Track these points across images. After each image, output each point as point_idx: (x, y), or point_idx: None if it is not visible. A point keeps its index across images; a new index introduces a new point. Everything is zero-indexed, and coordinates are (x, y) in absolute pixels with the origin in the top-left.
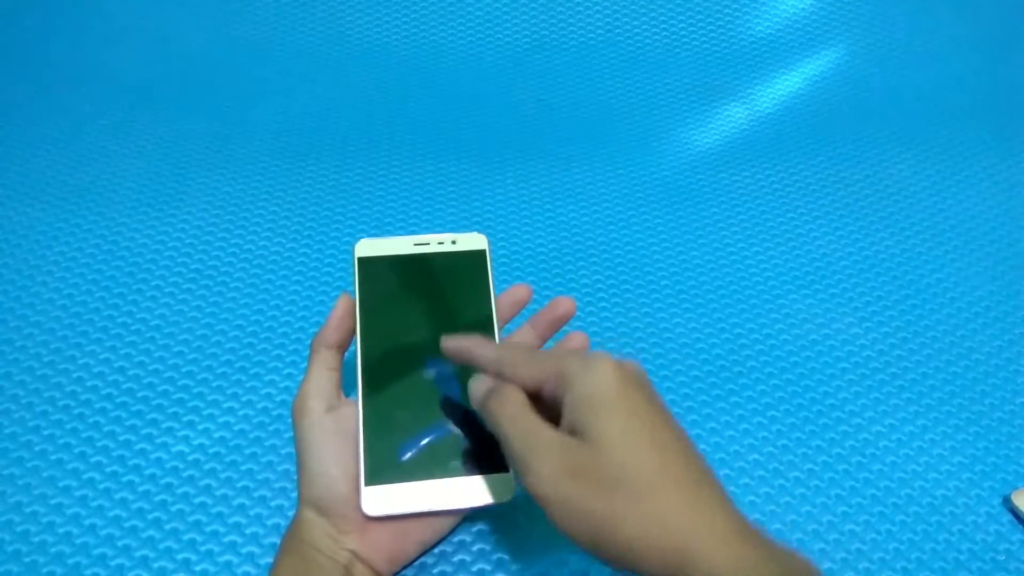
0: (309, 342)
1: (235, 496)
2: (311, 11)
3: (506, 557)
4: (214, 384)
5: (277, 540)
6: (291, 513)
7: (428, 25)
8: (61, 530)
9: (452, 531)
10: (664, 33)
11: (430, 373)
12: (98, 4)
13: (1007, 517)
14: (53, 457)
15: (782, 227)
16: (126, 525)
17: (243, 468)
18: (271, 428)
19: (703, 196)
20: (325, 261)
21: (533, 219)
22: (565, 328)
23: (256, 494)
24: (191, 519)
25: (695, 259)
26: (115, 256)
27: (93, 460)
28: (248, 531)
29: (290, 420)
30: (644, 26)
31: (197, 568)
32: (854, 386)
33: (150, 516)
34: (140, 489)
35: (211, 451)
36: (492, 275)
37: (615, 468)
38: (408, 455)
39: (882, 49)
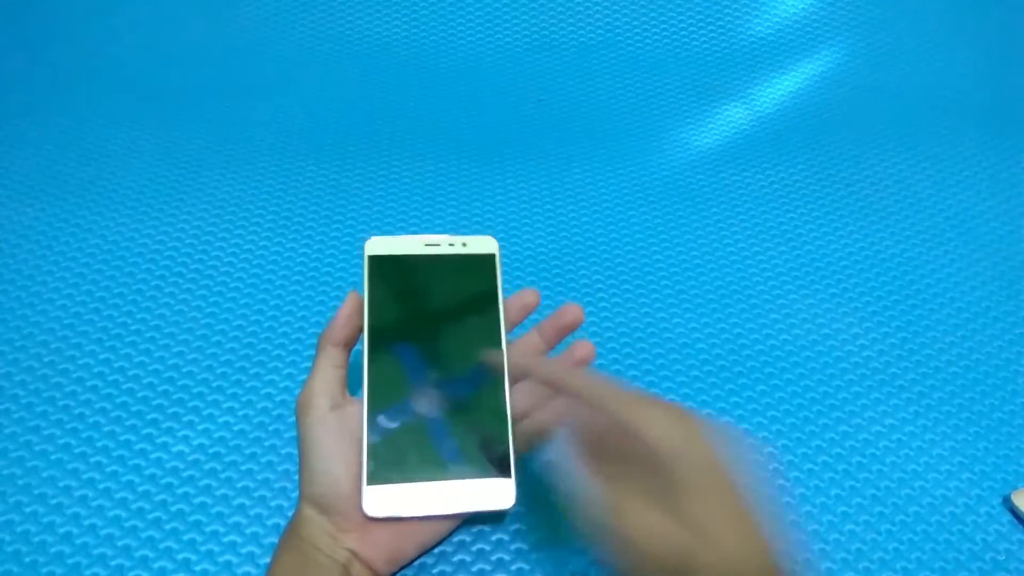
0: (310, 342)
1: (235, 496)
2: (311, 11)
3: (506, 557)
4: (214, 384)
5: (277, 540)
6: (291, 513)
7: (428, 25)
8: (61, 530)
9: (451, 533)
10: (664, 33)
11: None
12: (98, 4)
13: (1007, 517)
14: (53, 457)
15: (782, 227)
16: (126, 525)
17: (243, 468)
18: (271, 428)
19: (703, 196)
20: (325, 261)
21: (533, 219)
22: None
23: (256, 494)
24: (191, 519)
25: (695, 259)
26: (115, 256)
27: (93, 460)
28: (248, 531)
29: (291, 420)
30: (644, 26)
31: (197, 568)
32: (854, 386)
33: (150, 516)
34: (140, 489)
35: (211, 451)
36: (501, 279)
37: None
38: (388, 425)
39: (882, 49)
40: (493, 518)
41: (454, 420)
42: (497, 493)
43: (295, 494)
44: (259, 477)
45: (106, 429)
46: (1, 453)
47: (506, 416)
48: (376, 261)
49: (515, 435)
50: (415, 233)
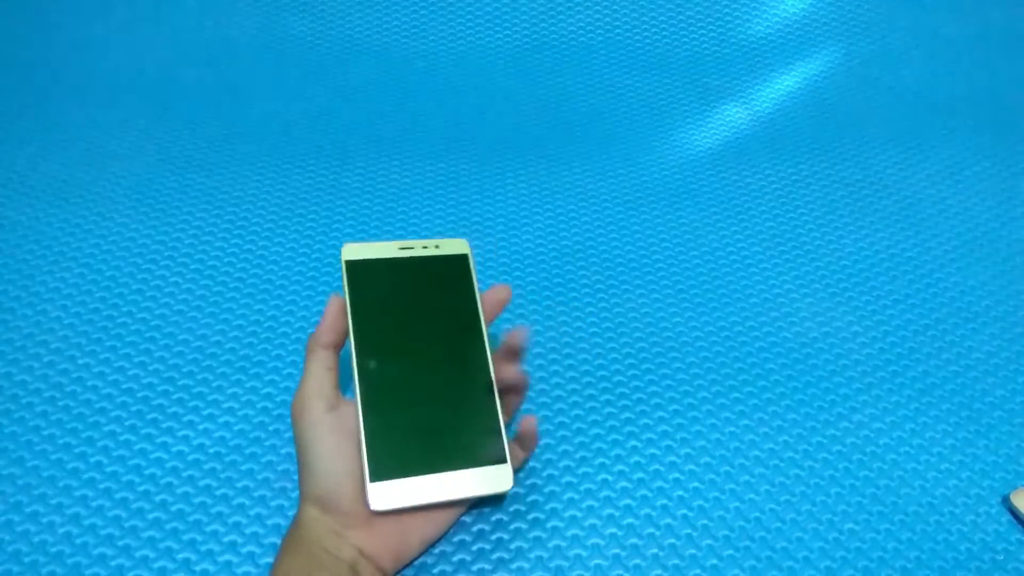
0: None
1: (235, 496)
2: (311, 11)
3: (506, 556)
4: (214, 384)
5: (277, 540)
6: (291, 513)
7: (428, 25)
8: (61, 530)
9: (453, 525)
10: (664, 34)
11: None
12: (97, 4)
13: (1006, 517)
14: (53, 457)
15: (782, 227)
16: (126, 525)
17: (243, 468)
18: (271, 428)
19: (703, 196)
20: (325, 261)
21: (533, 219)
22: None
23: (256, 494)
24: (191, 519)
25: (695, 259)
26: (115, 256)
27: (93, 460)
28: (248, 531)
29: (290, 420)
30: (644, 27)
31: (197, 568)
32: (854, 383)
33: (150, 516)
34: (140, 489)
35: (211, 451)
36: (476, 277)
37: None
38: (384, 422)
39: (880, 49)
40: (494, 500)
41: (446, 412)
42: (495, 478)
43: (295, 494)
44: (259, 477)
45: (106, 429)
46: (1, 453)
47: (496, 404)
48: (353, 266)
49: (506, 423)
50: (417, 233)
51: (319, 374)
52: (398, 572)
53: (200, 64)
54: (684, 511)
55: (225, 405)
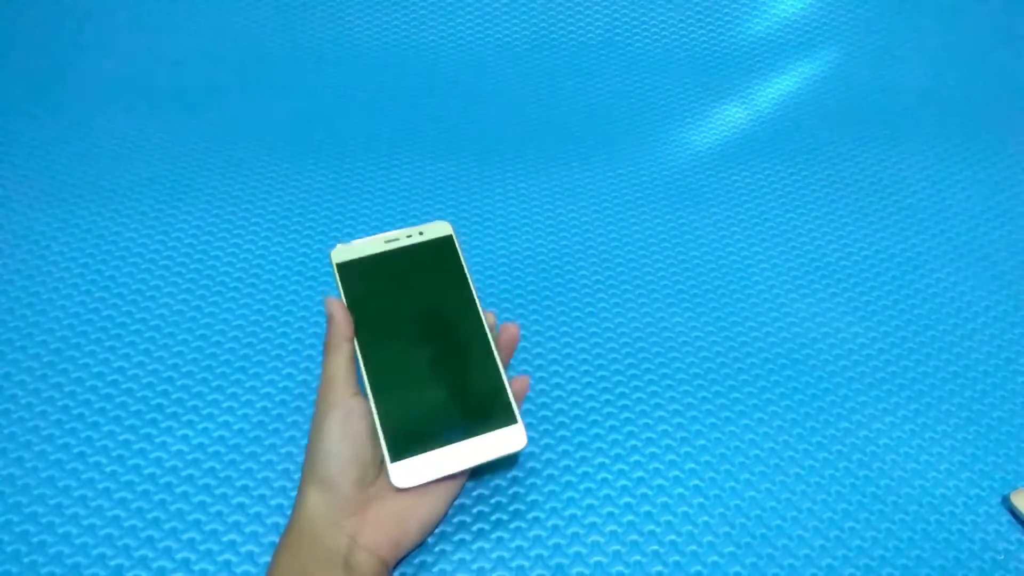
0: (310, 342)
1: (234, 495)
2: (310, 11)
3: (505, 555)
4: (214, 384)
5: (276, 539)
6: (291, 512)
7: (428, 25)
8: (60, 530)
9: (450, 507)
10: (664, 34)
11: None
12: (97, 4)
13: (1006, 517)
14: (52, 457)
15: (782, 227)
16: (125, 525)
17: (242, 467)
18: (271, 427)
19: (703, 196)
20: (325, 261)
21: (533, 219)
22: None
23: (255, 493)
24: (190, 518)
25: (695, 259)
26: (115, 256)
27: (92, 460)
28: (247, 530)
29: (291, 419)
30: (644, 27)
31: (196, 567)
32: (854, 383)
33: (149, 515)
34: (139, 488)
35: (210, 450)
36: (463, 256)
37: None
38: (396, 404)
39: (880, 50)
40: (510, 460)
41: (454, 386)
42: (509, 439)
43: (295, 493)
44: (259, 476)
45: (105, 429)
46: (0, 453)
47: (499, 371)
48: (344, 267)
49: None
50: None
51: (342, 363)
52: (398, 560)
53: (200, 64)
54: (684, 508)
55: (224, 405)
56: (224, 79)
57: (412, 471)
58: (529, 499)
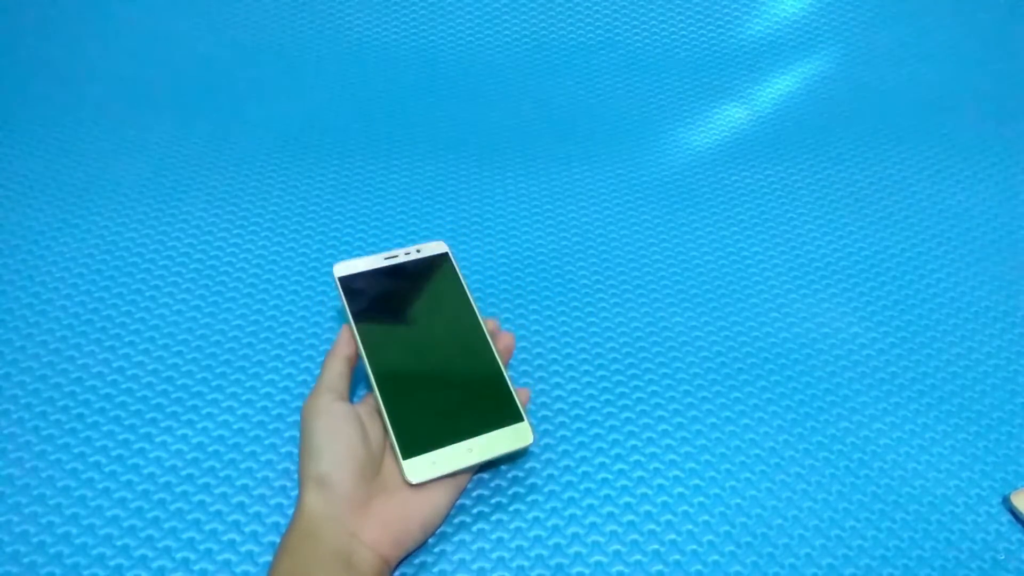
0: (310, 342)
1: (234, 494)
2: (310, 11)
3: (506, 556)
4: (213, 383)
5: (276, 539)
6: (291, 512)
7: (428, 25)
8: (60, 530)
9: (452, 507)
10: (663, 34)
11: None
12: (97, 4)
13: (1006, 517)
14: (52, 457)
15: (782, 227)
16: (125, 524)
17: (242, 466)
18: (271, 427)
19: (703, 196)
20: (325, 261)
21: (533, 219)
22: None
23: (255, 492)
24: (190, 518)
25: (695, 259)
26: (115, 256)
27: (92, 459)
28: (247, 529)
29: (291, 419)
30: (644, 26)
31: (196, 567)
32: (854, 384)
33: (149, 515)
34: (139, 488)
35: (210, 449)
36: (459, 268)
37: None
38: (404, 405)
39: (880, 49)
40: (518, 456)
41: (460, 387)
42: (515, 435)
43: (295, 493)
44: (258, 475)
45: (105, 429)
46: (0, 453)
47: (502, 372)
48: (346, 280)
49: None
50: (414, 233)
51: (333, 376)
52: (400, 559)
53: (200, 64)
54: (684, 507)
55: (224, 404)
56: (224, 79)
57: (423, 467)
58: (529, 499)
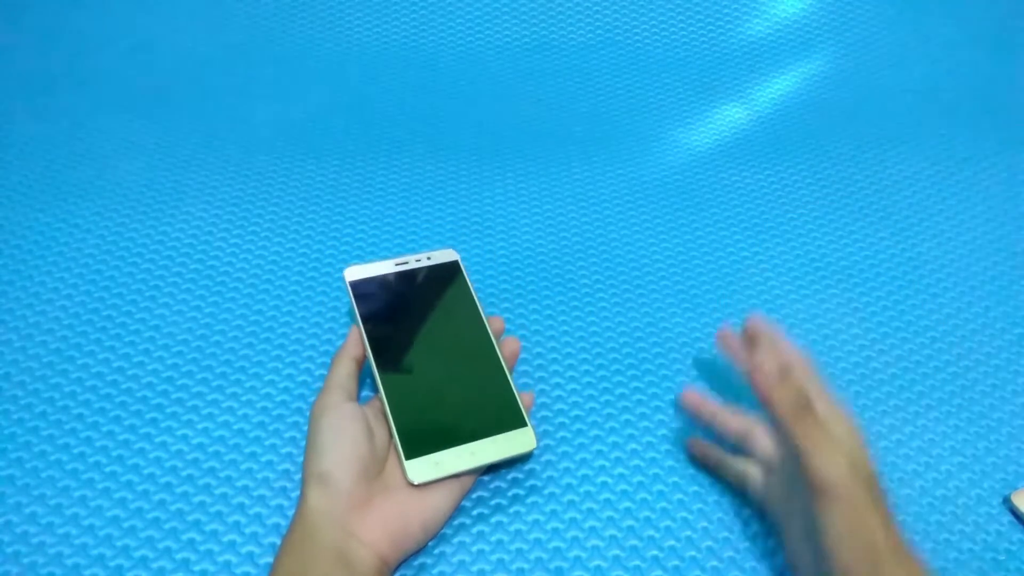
0: (310, 342)
1: (235, 495)
2: (310, 11)
3: (506, 558)
4: (214, 384)
5: (277, 540)
6: (291, 513)
7: (427, 25)
8: (60, 531)
9: (454, 510)
10: (663, 33)
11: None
12: (98, 4)
13: (1007, 517)
14: (52, 457)
15: (782, 227)
16: (125, 525)
17: (243, 467)
18: (271, 428)
19: (703, 196)
20: (325, 261)
21: (533, 219)
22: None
23: (255, 493)
24: (190, 518)
25: (695, 259)
26: (115, 256)
27: (92, 460)
28: (247, 530)
29: (291, 419)
30: (643, 26)
31: (196, 568)
32: (854, 385)
33: (149, 516)
34: (139, 488)
35: (210, 450)
36: (468, 277)
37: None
38: (410, 407)
39: (880, 50)
40: (521, 460)
41: (465, 391)
42: (519, 440)
43: (295, 494)
44: (259, 476)
45: (105, 429)
46: (0, 453)
47: (507, 377)
48: (358, 284)
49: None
50: (414, 234)
51: (342, 375)
52: (399, 560)
53: (200, 64)
54: (684, 514)
55: (225, 405)
56: (224, 79)
57: (426, 468)
58: (529, 501)
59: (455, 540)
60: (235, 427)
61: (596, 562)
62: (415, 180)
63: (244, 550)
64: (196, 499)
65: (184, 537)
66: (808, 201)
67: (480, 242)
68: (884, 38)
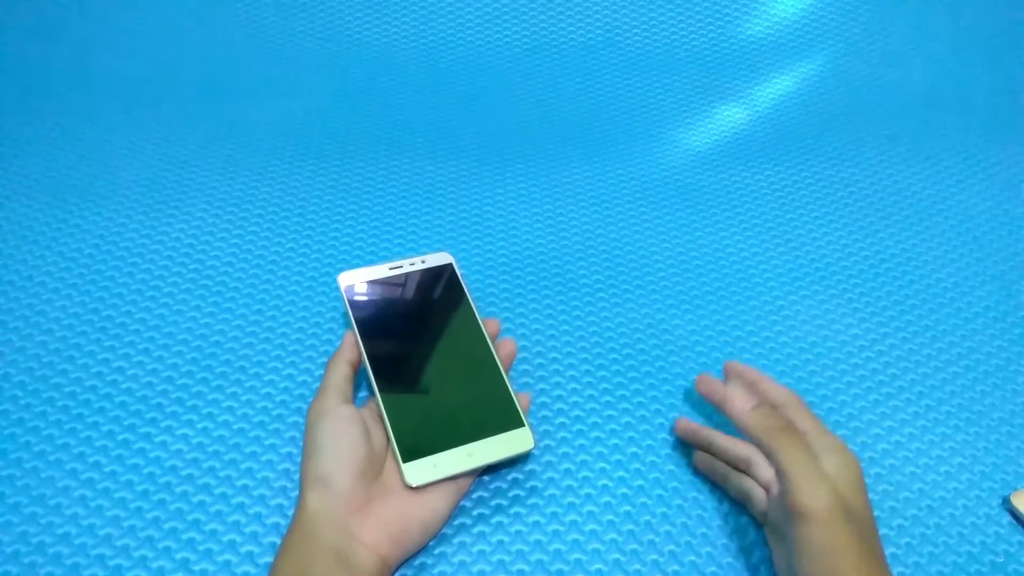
0: (310, 343)
1: (234, 495)
2: (310, 11)
3: (506, 559)
4: (214, 383)
5: (276, 539)
6: (291, 512)
7: (428, 25)
8: (59, 530)
9: (454, 509)
10: (664, 33)
11: None
12: (98, 4)
13: (1006, 518)
14: (52, 457)
15: (782, 227)
16: (124, 525)
17: (242, 467)
18: (271, 427)
19: (703, 196)
20: (324, 261)
21: (533, 219)
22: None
23: (255, 493)
24: (190, 518)
25: (695, 259)
26: (115, 256)
27: (91, 460)
28: (247, 530)
29: (291, 419)
30: (644, 27)
31: (196, 568)
32: (853, 387)
33: (149, 515)
34: (139, 488)
35: (210, 449)
36: (463, 279)
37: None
38: (406, 409)
39: (879, 50)
40: (519, 460)
41: (460, 391)
42: (516, 440)
43: (295, 494)
44: (258, 476)
45: (105, 429)
46: (0, 454)
47: (503, 377)
48: (352, 289)
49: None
50: (414, 234)
51: (338, 379)
52: (400, 561)
53: (200, 64)
54: (683, 519)
55: (224, 404)
56: (224, 79)
57: (423, 470)
58: (530, 502)
59: (456, 540)
60: (235, 427)
61: (597, 565)
62: (415, 180)
63: (244, 550)
64: (196, 499)
65: (184, 537)
66: (808, 201)
67: (480, 242)
68: (884, 38)
